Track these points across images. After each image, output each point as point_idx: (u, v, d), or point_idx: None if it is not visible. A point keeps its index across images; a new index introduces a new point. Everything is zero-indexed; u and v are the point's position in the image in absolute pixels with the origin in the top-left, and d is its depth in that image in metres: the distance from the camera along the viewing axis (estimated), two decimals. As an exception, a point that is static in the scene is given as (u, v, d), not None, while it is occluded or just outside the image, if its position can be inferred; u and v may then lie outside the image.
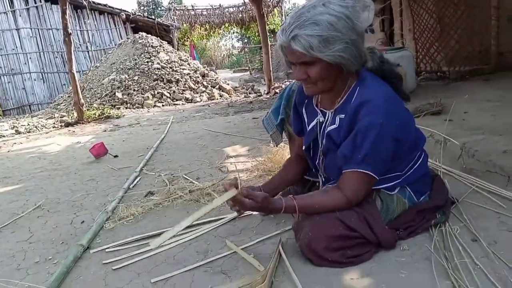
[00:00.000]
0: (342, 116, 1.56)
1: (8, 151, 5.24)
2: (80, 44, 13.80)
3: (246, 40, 24.86)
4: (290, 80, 11.55)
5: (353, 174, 1.49)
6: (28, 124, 7.92)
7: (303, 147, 1.79)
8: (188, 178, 2.83)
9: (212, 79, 11.04)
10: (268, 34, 10.07)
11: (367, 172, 1.47)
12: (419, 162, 1.66)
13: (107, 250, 1.86)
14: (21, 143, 5.92)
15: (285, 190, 1.99)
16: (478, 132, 3.11)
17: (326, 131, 1.62)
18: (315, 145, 1.72)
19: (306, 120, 1.76)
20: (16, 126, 7.73)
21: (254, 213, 2.02)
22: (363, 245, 1.50)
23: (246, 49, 21.92)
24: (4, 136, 6.85)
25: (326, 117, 1.64)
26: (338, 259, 1.45)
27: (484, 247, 1.46)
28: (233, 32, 25.74)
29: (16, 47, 13.37)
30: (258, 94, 9.84)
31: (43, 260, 1.86)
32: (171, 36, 15.14)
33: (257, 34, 18.40)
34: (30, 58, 13.49)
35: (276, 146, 2.44)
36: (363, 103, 1.47)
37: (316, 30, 1.38)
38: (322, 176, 1.76)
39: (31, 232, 2.24)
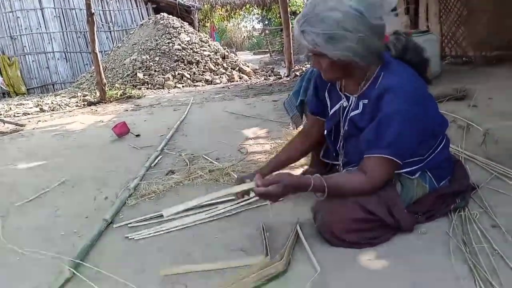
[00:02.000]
0: (366, 101, 1.55)
1: (33, 129, 5.38)
2: (102, 24, 13.89)
3: (267, 22, 24.58)
4: (311, 63, 11.45)
5: (377, 160, 1.49)
6: (52, 103, 8.08)
7: (325, 132, 1.79)
8: (208, 158, 2.87)
9: (232, 61, 11.01)
10: (289, 16, 9.95)
11: (390, 157, 1.47)
12: (440, 147, 1.65)
13: (129, 225, 1.92)
14: (45, 121, 6.05)
15: (306, 171, 2.00)
16: (503, 118, 3.05)
17: (349, 116, 1.62)
18: (337, 129, 1.72)
19: (329, 104, 1.76)
20: (40, 104, 7.90)
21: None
22: (381, 228, 1.51)
23: (266, 31, 21.69)
24: (29, 114, 7.01)
25: (350, 102, 1.64)
26: (355, 240, 1.47)
27: (504, 233, 1.46)
28: (254, 14, 25.50)
29: (40, 27, 13.54)
30: (278, 76, 9.78)
31: (68, 233, 1.93)
32: (192, 17, 15.07)
33: (278, 15, 18.15)
34: (54, 37, 13.67)
35: (296, 128, 2.45)
36: (387, 89, 1.46)
37: (321, 27, 1.38)
38: (342, 160, 1.76)
39: (56, 206, 2.32)
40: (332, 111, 1.72)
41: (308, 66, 10.06)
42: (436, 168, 1.65)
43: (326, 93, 1.76)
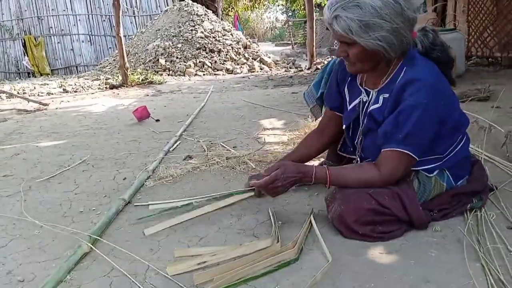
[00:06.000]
0: (386, 95, 1.54)
1: (56, 108, 5.49)
2: (127, 9, 14.01)
3: (290, 14, 24.38)
4: (333, 57, 11.32)
5: (392, 153, 1.49)
6: (75, 84, 8.23)
7: (343, 126, 1.79)
8: (225, 146, 2.89)
9: (254, 51, 10.99)
10: (314, 8, 9.86)
11: (406, 152, 1.46)
12: (460, 145, 1.64)
13: (149, 204, 1.95)
14: (68, 101, 6.17)
15: (320, 163, 2.00)
16: (527, 121, 2.99)
17: (368, 110, 1.62)
18: (356, 124, 1.72)
19: (347, 98, 1.75)
20: (63, 85, 8.05)
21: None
22: (394, 222, 1.51)
23: (290, 22, 21.55)
24: (52, 94, 7.16)
25: (370, 97, 1.63)
26: (368, 233, 1.47)
27: (520, 236, 1.45)
28: (278, 5, 25.37)
29: (67, 8, 13.74)
30: (299, 69, 9.73)
31: (87, 211, 1.99)
32: (216, 6, 15.10)
33: (302, 7, 18.01)
34: (79, 20, 13.85)
35: (315, 120, 2.45)
36: (409, 82, 1.46)
37: (357, 14, 1.36)
38: (359, 155, 1.76)
39: (76, 184, 2.38)
40: (351, 105, 1.72)
41: (330, 59, 9.94)
42: (454, 167, 1.63)
43: (346, 87, 1.76)
